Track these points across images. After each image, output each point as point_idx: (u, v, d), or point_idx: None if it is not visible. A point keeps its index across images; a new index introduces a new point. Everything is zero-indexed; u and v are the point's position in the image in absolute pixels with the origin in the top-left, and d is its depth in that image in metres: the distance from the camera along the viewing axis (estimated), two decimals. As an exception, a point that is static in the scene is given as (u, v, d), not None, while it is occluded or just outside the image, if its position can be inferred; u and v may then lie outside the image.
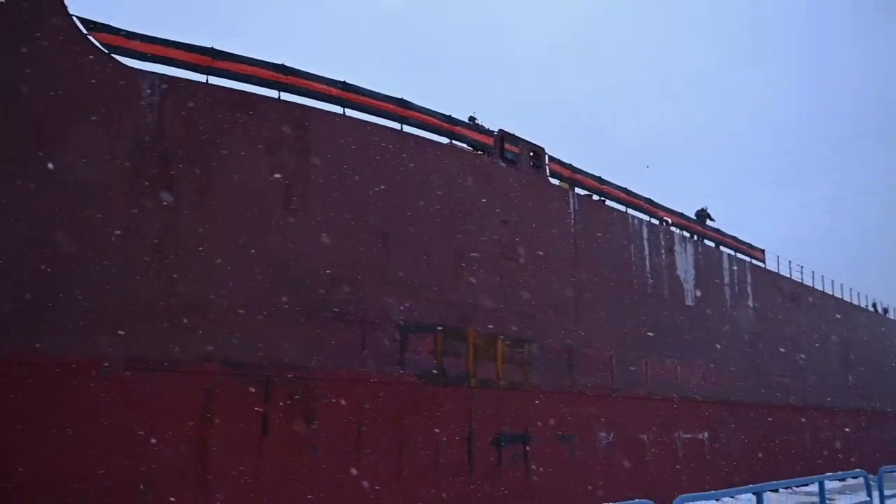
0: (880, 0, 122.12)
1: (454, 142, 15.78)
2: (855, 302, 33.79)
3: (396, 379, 13.31)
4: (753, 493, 11.01)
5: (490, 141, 16.38)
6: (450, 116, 15.61)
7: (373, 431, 12.80)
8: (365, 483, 12.41)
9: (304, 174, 12.80)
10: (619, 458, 17.67)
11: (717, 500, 18.35)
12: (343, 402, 12.52)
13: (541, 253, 16.64)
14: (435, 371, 13.98)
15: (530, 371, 15.82)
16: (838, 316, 31.25)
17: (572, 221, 17.77)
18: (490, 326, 15.17)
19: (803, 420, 26.72)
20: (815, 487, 16.73)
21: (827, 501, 15.02)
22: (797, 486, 19.54)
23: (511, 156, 16.53)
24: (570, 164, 18.38)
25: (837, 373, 30.27)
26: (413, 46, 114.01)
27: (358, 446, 12.56)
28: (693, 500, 9.06)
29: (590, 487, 16.34)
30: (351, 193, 13.31)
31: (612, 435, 17.58)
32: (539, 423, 15.75)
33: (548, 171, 17.62)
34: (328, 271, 12.67)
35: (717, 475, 20.80)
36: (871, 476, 14.80)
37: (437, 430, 13.76)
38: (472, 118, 16.69)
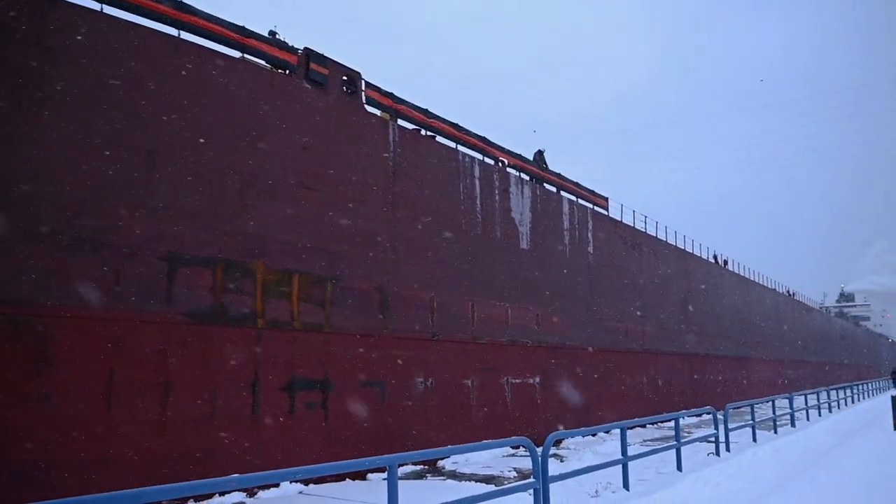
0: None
1: (248, 56, 14.03)
2: (696, 253, 34.74)
3: (161, 318, 11.68)
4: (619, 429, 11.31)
5: (294, 60, 14.74)
6: (243, 27, 13.82)
7: (130, 377, 11.17)
8: (115, 435, 10.82)
9: (41, 75, 10.77)
10: (438, 404, 16.85)
11: (583, 437, 19.41)
12: (90, 343, 10.81)
13: (350, 185, 15.29)
14: (213, 309, 12.44)
15: (333, 311, 14.55)
16: (678, 265, 31.94)
17: (391, 154, 16.49)
18: (285, 261, 13.75)
19: (640, 365, 27.11)
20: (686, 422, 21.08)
21: (686, 434, 17.35)
22: (662, 423, 21.39)
23: (318, 77, 14.95)
24: (392, 93, 17.03)
25: (676, 319, 31.00)
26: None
27: (108, 395, 10.91)
28: (563, 437, 9.42)
29: (399, 434, 15.43)
30: (106, 103, 11.39)
31: (430, 381, 16.71)
32: (343, 368, 14.59)
33: (363, 97, 16.18)
34: (70, 191, 10.79)
35: (549, 420, 20.53)
36: (718, 412, 15.73)
37: (213, 375, 12.30)
38: (272, 32, 14.96)
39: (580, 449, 17.31)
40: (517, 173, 21.25)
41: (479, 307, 18.57)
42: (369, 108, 16.34)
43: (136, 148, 11.71)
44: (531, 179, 22.06)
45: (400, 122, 17.26)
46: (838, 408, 31.29)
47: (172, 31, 12.64)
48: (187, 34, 12.80)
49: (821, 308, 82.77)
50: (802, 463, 13.17)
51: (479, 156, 19.70)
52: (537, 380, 20.59)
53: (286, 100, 14.26)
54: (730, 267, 40.66)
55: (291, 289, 13.83)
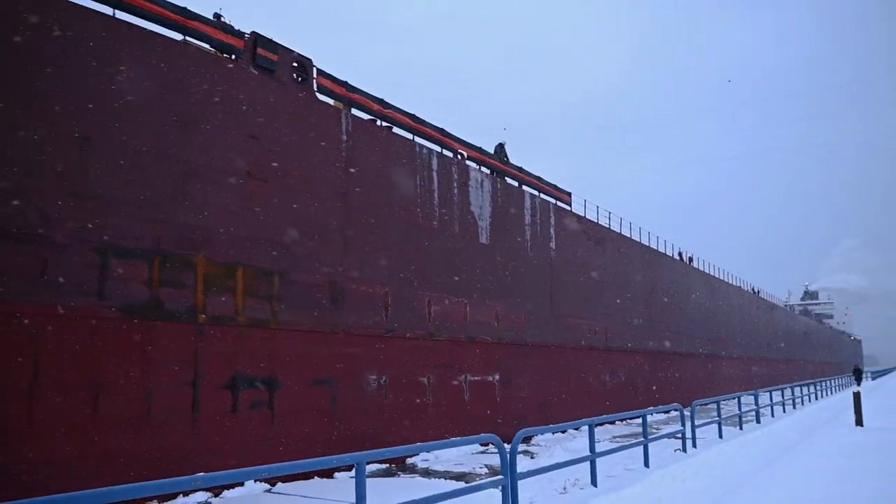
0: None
1: (191, 40, 13.41)
2: (661, 249, 34.70)
3: (92, 312, 11.05)
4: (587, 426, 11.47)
5: (241, 44, 14.15)
6: (185, 9, 13.19)
7: (57, 375, 10.54)
8: (36, 437, 10.18)
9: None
10: (393, 402, 16.39)
11: (552, 433, 19.38)
12: (11, 339, 10.16)
13: (300, 176, 14.75)
14: (149, 304, 11.83)
15: (281, 307, 14.01)
16: (643, 261, 31.83)
17: (344, 144, 15.97)
18: (229, 254, 13.17)
19: (603, 363, 26.90)
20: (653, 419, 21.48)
21: (654, 431, 18.06)
22: (630, 419, 21.74)
23: (266, 63, 14.38)
24: (346, 82, 16.51)
25: (640, 316, 30.89)
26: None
27: (30, 394, 10.26)
28: (532, 434, 9.45)
29: (351, 433, 14.95)
30: (34, 86, 10.74)
31: (384, 378, 16.24)
32: (291, 366, 14.05)
33: (315, 85, 15.64)
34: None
35: (509, 417, 20.17)
36: (685, 409, 16.07)
37: (149, 373, 11.69)
38: (217, 15, 14.36)
39: (551, 445, 17.50)
40: (477, 166, 20.85)
41: (436, 303, 18.13)
42: (321, 97, 15.80)
43: (68, 133, 11.06)
44: (492, 173, 21.68)
45: (355, 112, 16.75)
46: (802, 404, 31.69)
47: (107, 11, 12.00)
48: (123, 14, 12.16)
49: (785, 306, 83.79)
50: (767, 458, 13.20)
51: (437, 148, 19.25)
52: (497, 377, 20.21)
53: (231, 86, 13.67)
54: (695, 264, 40.74)
55: (236, 282, 13.26)
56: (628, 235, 30.65)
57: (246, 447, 12.89)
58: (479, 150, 21.21)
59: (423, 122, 18.92)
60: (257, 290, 13.63)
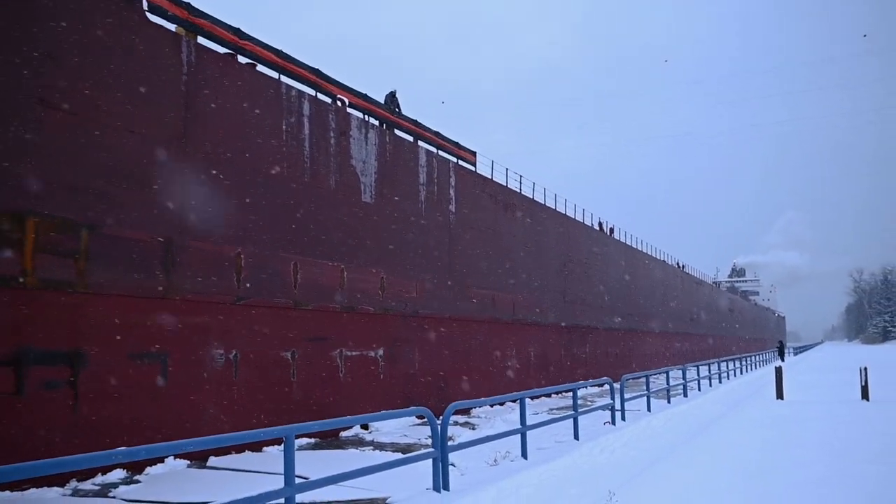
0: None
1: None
2: (579, 218, 33.12)
3: None
4: (515, 400, 12.40)
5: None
6: None
7: None
8: None
9: None
10: (246, 380, 14.14)
11: (490, 406, 19.66)
12: None
13: (120, 108, 12.21)
14: None
15: (91, 266, 11.54)
16: (558, 230, 30.16)
17: (184, 76, 13.47)
18: (14, 201, 10.64)
19: (511, 337, 25.15)
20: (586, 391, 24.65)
21: (589, 403, 19.09)
22: (567, 392, 22.12)
23: (74, -31, 11.75)
24: (188, 3, 13.96)
25: (554, 288, 29.26)
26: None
27: None
28: (463, 406, 9.84)
29: (185, 417, 12.67)
30: None
31: (234, 353, 13.96)
32: (104, 338, 11.63)
33: (146, 3, 13.06)
34: None
35: (395, 396, 18.20)
36: (616, 383, 16.37)
37: None
38: None
39: (491, 417, 18.29)
40: (362, 116, 18.56)
41: (304, 267, 15.89)
42: (154, 18, 13.23)
43: None
44: (381, 125, 19.43)
45: (205, 42, 14.24)
46: (728, 378, 32.50)
47: None
48: None
49: (714, 283, 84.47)
50: (692, 431, 13.45)
51: (311, 91, 16.88)
52: (381, 352, 18.14)
53: (19, -7, 11.01)
54: (616, 236, 39.41)
55: (24, 235, 10.73)
56: (542, 202, 28.85)
57: (40, 436, 10.51)
58: (366, 97, 18.91)
59: (292, 59, 16.51)
60: (57, 245, 11.12)
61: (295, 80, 16.52)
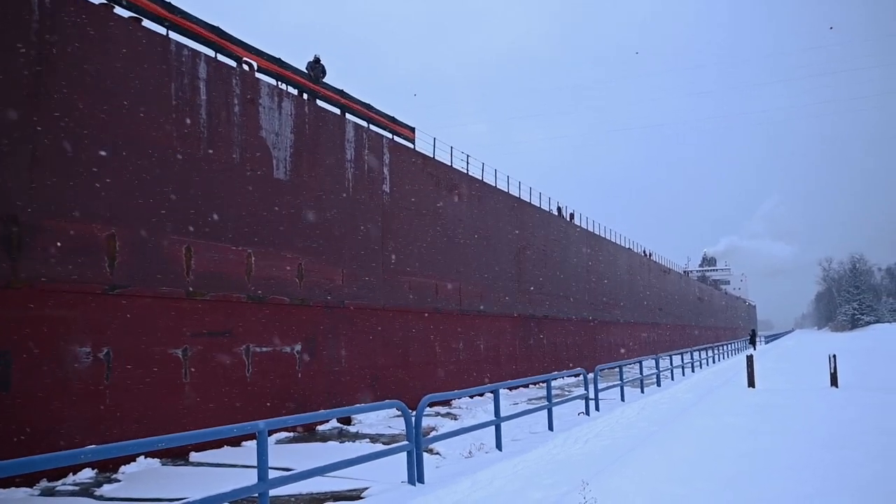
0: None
1: None
2: (536, 203, 31.28)
3: None
4: (491, 392, 12.11)
5: None
6: None
7: None
8: None
9: None
10: (120, 383, 12.09)
11: (470, 397, 20.06)
12: None
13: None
14: None
15: None
16: (511, 215, 28.29)
17: (35, 25, 11.35)
18: None
19: (459, 328, 23.27)
20: (560, 381, 25.95)
21: (566, 393, 20.18)
22: (542, 383, 20.62)
23: None
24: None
25: (507, 277, 27.41)
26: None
27: None
28: (436, 399, 9.79)
29: (44, 431, 10.61)
30: None
31: (106, 351, 11.89)
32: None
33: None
34: None
35: (316, 396, 16.28)
36: (589, 374, 16.45)
37: None
38: None
39: (472, 408, 18.59)
40: (275, 83, 16.50)
41: (200, 252, 13.84)
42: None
43: None
44: (300, 94, 17.38)
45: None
46: (700, 368, 32.80)
47: None
48: None
49: (684, 272, 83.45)
50: (663, 419, 13.46)
51: (210, 52, 14.81)
52: (298, 348, 16.15)
53: None
54: (577, 222, 37.64)
55: None
56: (493, 184, 26.94)
57: None
58: (280, 62, 16.84)
59: (185, 14, 14.41)
60: None
61: (189, 37, 14.43)
